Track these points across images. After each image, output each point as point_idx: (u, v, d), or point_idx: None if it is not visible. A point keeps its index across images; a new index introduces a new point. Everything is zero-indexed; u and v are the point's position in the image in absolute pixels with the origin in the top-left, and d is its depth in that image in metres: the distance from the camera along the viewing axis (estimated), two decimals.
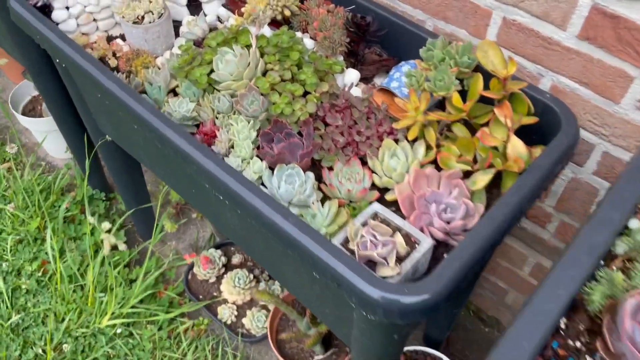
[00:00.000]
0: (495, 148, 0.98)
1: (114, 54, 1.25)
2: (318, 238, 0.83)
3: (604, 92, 1.10)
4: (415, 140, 1.06)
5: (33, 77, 1.55)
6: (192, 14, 1.38)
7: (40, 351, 1.68)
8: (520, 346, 0.61)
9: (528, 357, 0.60)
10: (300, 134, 1.09)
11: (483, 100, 1.01)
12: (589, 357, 0.66)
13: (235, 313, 1.75)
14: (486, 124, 1.02)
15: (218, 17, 1.36)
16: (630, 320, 0.61)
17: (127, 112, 1.05)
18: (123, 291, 1.74)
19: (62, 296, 1.77)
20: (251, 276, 1.77)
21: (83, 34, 1.28)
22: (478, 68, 1.06)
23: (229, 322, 1.75)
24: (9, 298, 1.78)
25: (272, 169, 1.06)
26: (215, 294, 1.81)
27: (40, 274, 1.85)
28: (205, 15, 1.37)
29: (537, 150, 0.98)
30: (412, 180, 0.98)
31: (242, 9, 1.21)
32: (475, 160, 0.99)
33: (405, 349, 1.49)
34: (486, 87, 1.03)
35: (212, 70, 1.14)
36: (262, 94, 1.11)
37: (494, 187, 1.00)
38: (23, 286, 1.79)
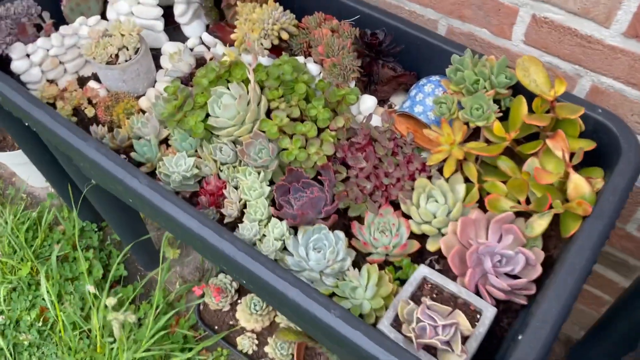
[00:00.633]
0: (551, 184, 0.85)
1: (89, 102, 1.09)
2: (372, 334, 0.70)
3: None
4: (450, 175, 0.93)
5: (4, 125, 1.37)
6: (171, 38, 1.20)
7: None
8: None
9: None
10: (319, 180, 0.95)
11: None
12: None
13: (256, 342, 1.65)
14: (535, 154, 0.88)
15: (202, 40, 1.19)
16: None
17: (117, 184, 0.90)
18: (133, 333, 1.63)
19: (67, 345, 1.65)
20: None
21: (49, 81, 1.11)
22: (517, 86, 0.92)
23: (250, 352, 1.65)
24: (11, 355, 1.66)
25: (293, 228, 0.92)
26: (231, 322, 1.70)
27: (40, 323, 1.72)
28: (187, 38, 1.19)
29: (598, 181, 0.85)
30: (460, 231, 0.85)
31: (232, 36, 1.04)
32: (527, 200, 0.86)
33: None
34: (528, 108, 0.90)
35: (207, 114, 0.99)
36: (269, 139, 0.96)
37: (549, 227, 0.88)
38: (25, 342, 1.67)
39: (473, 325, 0.76)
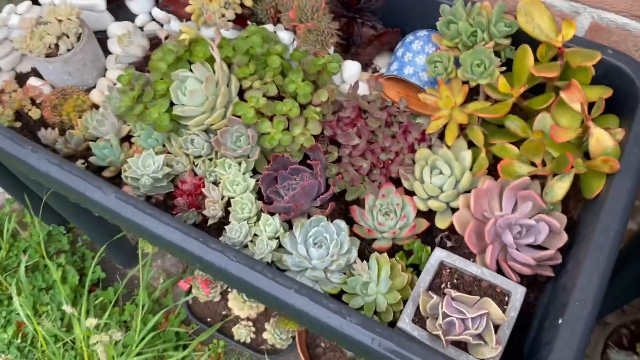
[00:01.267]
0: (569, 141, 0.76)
1: (33, 102, 0.94)
2: (396, 338, 0.62)
3: None
4: (453, 142, 0.83)
5: None
6: (116, 17, 1.05)
7: None
8: None
9: None
10: (308, 165, 0.84)
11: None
12: None
13: (253, 329, 1.57)
14: (546, 108, 0.79)
15: (152, 16, 1.04)
16: None
17: (80, 198, 0.77)
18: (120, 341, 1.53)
19: None
20: None
21: None
22: (517, 34, 0.82)
23: (248, 340, 1.57)
24: None
25: (288, 222, 0.82)
26: (224, 312, 1.62)
27: (19, 340, 1.60)
28: (136, 15, 1.04)
29: (618, 131, 0.77)
30: (473, 204, 0.76)
31: (187, 9, 0.90)
32: (543, 162, 0.78)
33: None
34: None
35: (171, 103, 0.86)
36: (247, 125, 0.84)
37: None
38: None
39: (502, 310, 0.69)
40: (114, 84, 0.96)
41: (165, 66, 0.87)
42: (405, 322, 0.69)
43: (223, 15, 0.85)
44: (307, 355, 1.48)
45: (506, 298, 0.71)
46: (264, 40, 0.86)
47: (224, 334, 1.58)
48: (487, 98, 0.85)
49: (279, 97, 0.87)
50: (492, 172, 0.83)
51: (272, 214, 0.81)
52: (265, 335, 1.56)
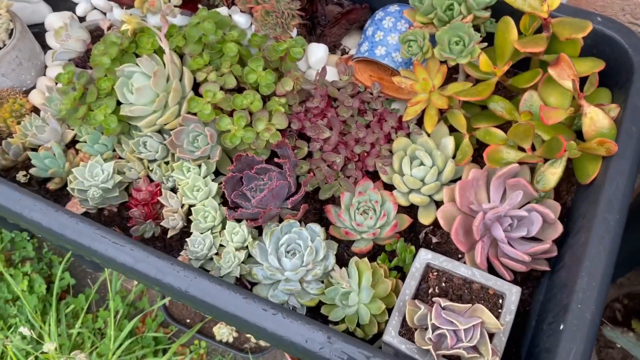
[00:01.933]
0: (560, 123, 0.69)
1: None
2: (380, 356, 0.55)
3: None
4: (433, 128, 0.76)
5: None
6: (54, 8, 0.94)
7: None
8: None
9: None
10: (275, 163, 0.76)
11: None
12: None
13: (234, 328, 1.51)
14: (531, 87, 0.72)
15: (93, 6, 0.94)
16: None
17: (12, 215, 0.68)
18: (95, 346, 1.45)
19: None
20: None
21: None
22: (496, 5, 0.74)
23: (230, 340, 1.51)
24: None
25: (256, 228, 0.75)
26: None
27: None
28: (76, 3, 0.94)
29: (612, 107, 0.70)
30: (459, 197, 0.69)
31: None
32: (532, 146, 0.71)
33: None
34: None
35: (118, 102, 0.77)
36: (204, 123, 0.76)
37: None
38: None
39: (496, 315, 0.62)
40: (56, 84, 0.86)
41: (109, 61, 0.77)
42: (391, 335, 0.62)
43: (168, 0, 0.75)
44: None
45: (500, 300, 0.64)
46: (218, 26, 0.77)
47: (205, 335, 1.51)
48: (468, 77, 0.78)
49: (239, 89, 0.78)
50: (478, 159, 0.76)
51: (238, 220, 0.73)
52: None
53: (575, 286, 0.59)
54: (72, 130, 0.82)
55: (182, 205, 0.75)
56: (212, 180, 0.76)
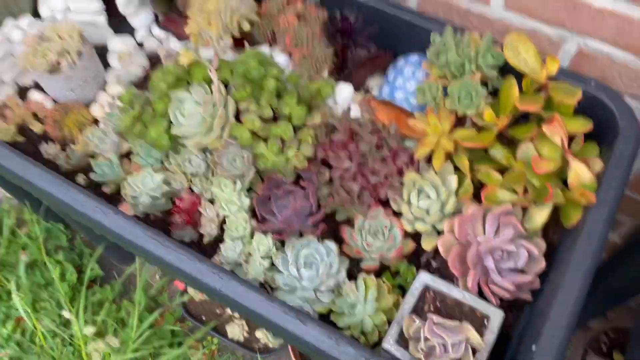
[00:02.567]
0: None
1: (35, 116, 0.97)
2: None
3: None
4: (440, 167, 0.87)
5: None
6: (116, 30, 1.07)
7: None
8: None
9: None
10: (300, 185, 0.88)
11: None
12: None
13: (246, 328, 1.62)
14: (529, 138, 0.83)
15: (151, 32, 1.07)
16: None
17: (79, 216, 0.81)
18: (118, 334, 1.57)
19: (50, 355, 1.58)
20: None
21: None
22: (506, 65, 0.85)
23: (241, 339, 1.62)
24: None
25: (280, 241, 0.86)
26: (218, 311, 1.66)
27: (18, 334, 1.64)
28: (135, 29, 1.07)
29: (596, 162, 0.80)
30: (458, 229, 0.80)
31: (186, 29, 0.92)
32: (525, 190, 0.82)
33: None
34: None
35: (170, 122, 0.90)
36: (242, 146, 0.88)
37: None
38: (3, 356, 1.59)
39: (481, 333, 0.73)
40: (113, 98, 0.98)
41: (165, 86, 0.90)
42: (389, 343, 0.73)
43: (222, 39, 0.87)
44: (298, 355, 1.52)
45: (486, 321, 0.75)
46: (261, 64, 0.89)
47: (218, 332, 1.63)
48: (474, 125, 0.88)
49: (274, 118, 0.90)
50: (477, 195, 0.86)
51: (265, 233, 0.84)
52: (258, 334, 1.61)
53: (549, 314, 0.69)
54: (128, 143, 0.94)
55: (218, 215, 0.87)
56: (245, 195, 0.87)
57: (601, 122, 0.84)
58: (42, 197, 0.85)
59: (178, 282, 1.67)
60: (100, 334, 1.61)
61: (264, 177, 0.88)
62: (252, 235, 0.85)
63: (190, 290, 1.64)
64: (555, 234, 0.85)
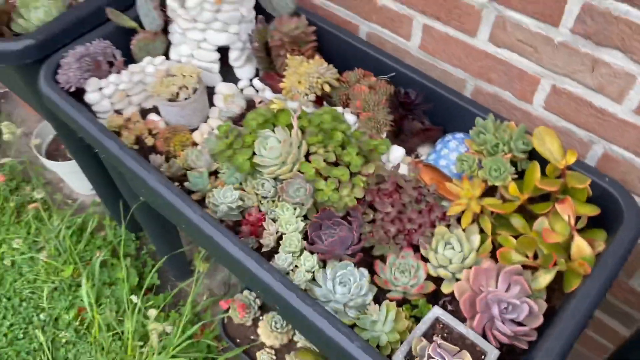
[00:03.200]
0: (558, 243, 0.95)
1: (150, 132, 1.22)
2: None
3: None
4: (467, 226, 1.03)
5: (64, 142, 1.53)
6: (224, 78, 1.33)
7: None
8: None
9: None
10: (348, 220, 1.06)
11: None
12: None
13: (274, 357, 1.76)
14: (545, 214, 0.98)
15: (251, 82, 1.32)
16: None
17: (172, 211, 1.02)
18: (162, 338, 1.75)
19: (100, 346, 1.78)
20: None
21: (116, 111, 1.25)
22: (533, 150, 1.02)
23: None
24: (49, 349, 1.80)
25: (323, 261, 1.04)
26: (252, 337, 1.81)
27: (77, 322, 1.86)
28: (239, 79, 1.33)
29: (600, 244, 0.95)
30: (472, 279, 0.95)
31: (280, 85, 1.16)
32: (534, 255, 0.96)
33: None
34: (542, 169, 1.00)
35: (254, 153, 1.11)
36: (307, 180, 1.08)
37: (553, 281, 0.98)
38: (63, 339, 1.80)
39: None
40: (213, 129, 1.22)
41: (256, 124, 1.12)
42: (398, 358, 0.87)
43: (307, 95, 1.10)
44: None
45: (483, 357, 0.88)
46: (333, 119, 1.10)
47: (249, 356, 1.77)
48: (502, 198, 1.05)
49: (336, 164, 1.10)
50: (494, 253, 1.01)
51: (312, 252, 1.02)
52: None
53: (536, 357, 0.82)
54: (217, 163, 1.16)
55: (277, 232, 1.06)
56: (301, 220, 1.06)
57: (610, 212, 0.99)
58: (147, 193, 1.08)
59: (223, 302, 1.84)
60: (146, 335, 1.80)
61: (319, 208, 1.07)
62: (301, 252, 1.03)
63: (232, 312, 1.81)
64: (558, 300, 0.98)
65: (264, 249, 1.06)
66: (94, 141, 1.11)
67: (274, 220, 1.08)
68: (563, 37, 1.04)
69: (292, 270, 1.01)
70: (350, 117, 1.16)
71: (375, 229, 1.05)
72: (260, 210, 1.10)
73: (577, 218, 0.94)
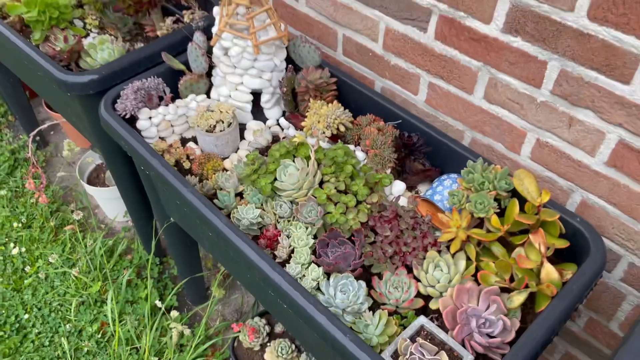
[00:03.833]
0: (531, 269, 1.09)
1: (187, 157, 1.42)
2: (375, 356, 0.95)
3: (630, 213, 1.21)
4: (455, 252, 1.18)
5: (109, 165, 1.74)
6: (254, 117, 1.54)
7: None
8: None
9: None
10: (352, 240, 1.22)
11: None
12: None
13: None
14: (522, 244, 1.13)
15: (278, 122, 1.53)
16: None
17: (202, 221, 1.20)
18: (175, 355, 1.88)
19: (119, 358, 1.91)
20: (293, 346, 1.89)
21: (161, 138, 1.46)
22: (515, 190, 1.18)
23: None
24: (71, 357, 1.93)
25: (327, 273, 1.19)
26: None
27: (99, 335, 2.00)
28: (267, 119, 1.53)
29: (568, 273, 1.09)
30: (455, 295, 1.10)
31: (302, 124, 1.36)
32: (512, 279, 1.11)
33: None
34: (521, 206, 1.16)
35: (275, 178, 1.30)
36: (319, 204, 1.25)
37: (528, 300, 1.11)
38: (84, 347, 1.95)
39: None
40: (241, 159, 1.42)
41: (279, 155, 1.32)
42: (386, 355, 1.01)
43: (324, 132, 1.30)
44: None
45: None
46: (345, 154, 1.29)
47: None
48: (487, 230, 1.20)
49: (345, 191, 1.28)
50: (477, 277, 1.16)
51: (318, 265, 1.18)
52: None
53: None
54: (242, 185, 1.35)
55: (290, 246, 1.22)
56: (311, 237, 1.23)
57: (580, 248, 1.13)
58: (180, 206, 1.26)
59: (234, 325, 1.97)
60: (161, 351, 1.94)
61: (327, 228, 1.23)
62: (309, 265, 1.19)
63: (242, 335, 1.94)
64: (531, 323, 1.11)
65: (277, 260, 1.22)
66: (142, 159, 1.31)
67: (288, 237, 1.25)
68: (544, 97, 1.22)
69: (300, 278, 1.17)
70: (360, 154, 1.35)
71: (374, 249, 1.20)
72: (276, 228, 1.27)
73: (548, 248, 1.08)
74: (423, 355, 0.97)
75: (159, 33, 1.69)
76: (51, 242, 2.29)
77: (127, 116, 1.40)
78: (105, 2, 1.75)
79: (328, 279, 1.18)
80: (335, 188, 1.26)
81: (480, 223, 1.22)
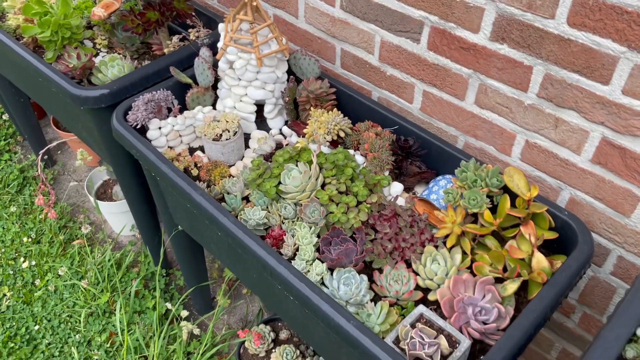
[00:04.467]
0: (522, 259, 1.16)
1: (195, 165, 1.50)
2: (377, 340, 1.01)
3: (616, 207, 1.28)
4: (452, 246, 1.25)
5: (118, 176, 1.81)
6: (258, 127, 1.62)
7: None
8: None
9: None
10: (353, 238, 1.29)
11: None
12: None
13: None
14: (514, 237, 1.20)
15: (281, 131, 1.61)
16: None
17: (212, 222, 1.27)
18: None
19: None
20: (297, 352, 1.93)
21: (170, 147, 1.53)
22: (506, 187, 1.26)
23: None
24: None
25: (330, 269, 1.25)
26: None
27: (108, 344, 2.05)
28: (270, 128, 1.61)
29: (558, 262, 1.15)
30: (452, 285, 1.16)
31: (304, 130, 1.44)
32: (505, 269, 1.17)
33: None
34: (512, 203, 1.23)
35: (279, 182, 1.37)
36: (321, 204, 1.32)
37: (522, 290, 1.18)
38: (94, 356, 1.99)
39: (452, 350, 1.05)
40: (246, 166, 1.49)
41: (282, 160, 1.39)
42: (388, 341, 1.07)
43: (324, 138, 1.37)
44: None
45: (457, 344, 1.07)
46: (345, 158, 1.37)
47: None
48: (481, 225, 1.27)
49: (346, 193, 1.35)
50: (472, 270, 1.22)
51: (322, 261, 1.25)
52: None
53: (495, 346, 1.01)
54: (249, 190, 1.42)
55: (294, 245, 1.29)
56: (315, 236, 1.29)
57: (569, 240, 1.20)
58: (190, 209, 1.33)
59: (241, 332, 2.02)
60: (170, 357, 1.98)
61: (330, 227, 1.30)
62: (313, 261, 1.26)
63: (248, 342, 1.99)
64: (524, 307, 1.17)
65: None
66: (153, 166, 1.38)
67: (293, 236, 1.32)
68: (531, 100, 1.30)
69: (305, 273, 1.23)
70: (359, 158, 1.42)
71: (375, 246, 1.27)
72: (281, 228, 1.34)
73: (538, 239, 1.15)
74: (423, 339, 1.03)
75: (165, 51, 1.78)
76: (60, 256, 2.35)
77: (138, 126, 1.48)
78: (114, 23, 1.85)
79: (332, 274, 1.24)
80: (337, 189, 1.33)
81: (475, 220, 1.29)
